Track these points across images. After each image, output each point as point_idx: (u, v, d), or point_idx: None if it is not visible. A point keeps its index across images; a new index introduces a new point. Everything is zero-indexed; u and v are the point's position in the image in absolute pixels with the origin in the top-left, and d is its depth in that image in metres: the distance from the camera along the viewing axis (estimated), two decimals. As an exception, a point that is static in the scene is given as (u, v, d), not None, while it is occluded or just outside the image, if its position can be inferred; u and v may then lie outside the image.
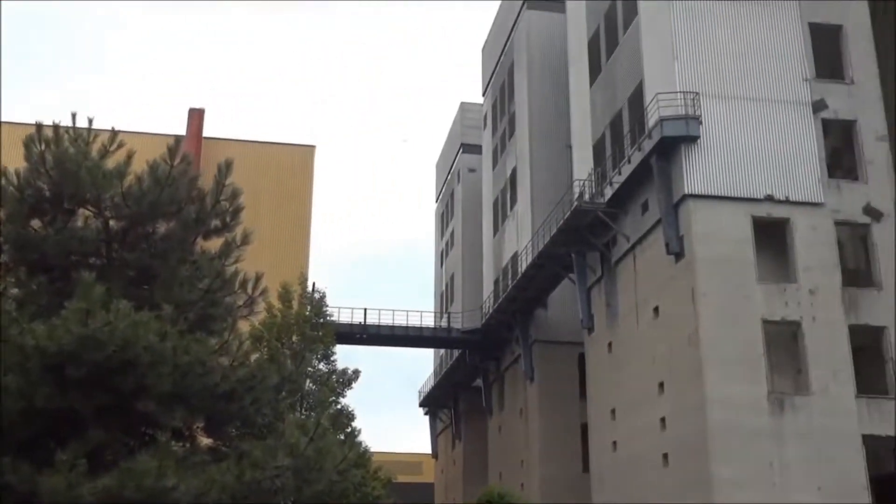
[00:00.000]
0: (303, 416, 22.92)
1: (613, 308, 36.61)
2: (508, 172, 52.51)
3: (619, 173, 34.85)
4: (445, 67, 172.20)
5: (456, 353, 57.55)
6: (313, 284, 30.70)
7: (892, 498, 28.59)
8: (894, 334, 29.64)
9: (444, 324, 59.45)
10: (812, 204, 30.81)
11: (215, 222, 11.76)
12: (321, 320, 27.74)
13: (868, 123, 32.19)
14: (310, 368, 25.30)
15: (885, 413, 28.84)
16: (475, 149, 63.91)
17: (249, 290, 11.86)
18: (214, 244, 12.12)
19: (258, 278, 11.84)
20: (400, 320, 53.62)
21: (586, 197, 37.23)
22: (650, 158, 31.80)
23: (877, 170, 31.62)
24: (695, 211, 30.34)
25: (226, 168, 11.54)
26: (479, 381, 57.19)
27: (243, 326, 13.08)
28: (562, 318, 45.05)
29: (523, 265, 44.55)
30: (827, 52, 33.45)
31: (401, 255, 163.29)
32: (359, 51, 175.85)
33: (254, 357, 12.20)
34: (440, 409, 67.71)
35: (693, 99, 31.11)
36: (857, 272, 31.91)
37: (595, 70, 40.47)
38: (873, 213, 31.00)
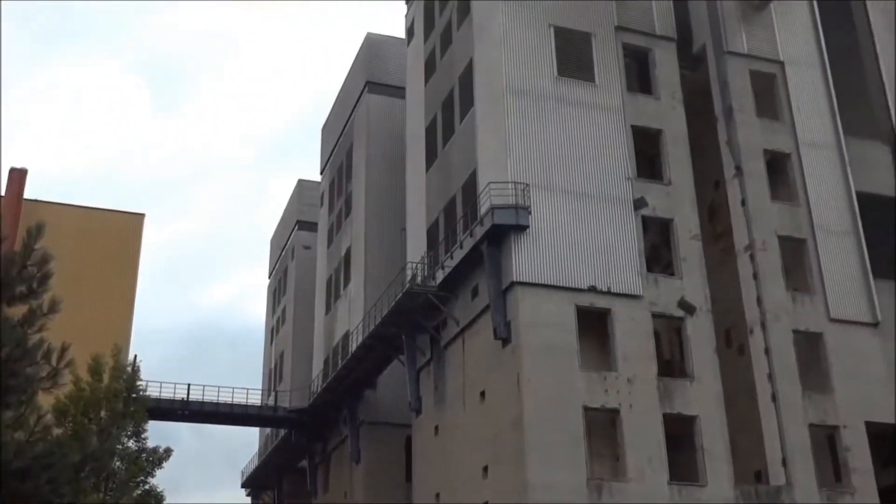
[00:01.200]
0: (107, 497, 21.55)
1: (441, 391, 36.68)
2: (343, 252, 52.36)
3: (451, 258, 35.32)
4: (285, 144, 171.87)
5: (282, 432, 56.10)
6: (135, 357, 29.28)
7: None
8: (703, 424, 30.93)
9: (271, 402, 57.97)
10: (632, 296, 32.05)
11: (21, 288, 11.00)
12: (134, 395, 26.31)
13: (683, 222, 34.01)
14: (118, 446, 23.84)
15: (696, 499, 29.87)
16: (311, 226, 63.56)
17: (54, 361, 11.09)
18: (20, 311, 11.33)
19: (64, 349, 11.09)
20: (225, 397, 51.89)
21: (418, 280, 37.48)
22: (481, 245, 32.40)
23: (690, 266, 33.32)
24: (522, 298, 30.99)
25: (36, 231, 10.87)
26: (304, 463, 55.78)
27: (46, 400, 12.19)
28: (391, 400, 44.69)
29: (354, 345, 44.16)
30: (648, 153, 35.37)
31: (231, 330, 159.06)
32: (198, 130, 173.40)
33: (57, 432, 11.38)
34: (263, 490, 65.46)
35: (524, 190, 32.07)
36: (672, 363, 33.29)
37: (432, 156, 41.25)
38: (687, 307, 32.54)
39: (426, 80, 43.46)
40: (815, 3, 39.28)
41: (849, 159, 36.55)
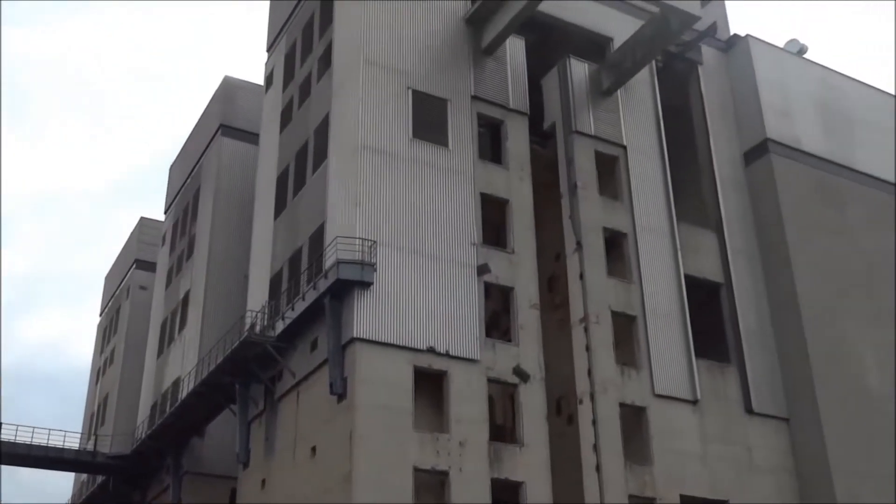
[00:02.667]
0: None
1: (271, 443, 35.78)
2: (182, 294, 50.78)
3: (293, 309, 34.79)
4: (135, 181, 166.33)
5: (100, 479, 53.26)
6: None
7: None
8: (529, 489, 31.34)
9: (90, 447, 55.01)
10: (469, 360, 32.33)
11: None
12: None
13: (524, 291, 34.74)
14: None
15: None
16: (149, 266, 61.47)
17: None
18: None
19: None
20: (41, 439, 48.97)
21: (257, 329, 36.69)
22: (324, 298, 32.09)
23: (528, 335, 34.00)
24: (361, 354, 30.77)
25: None
26: (121, 512, 53.05)
27: None
28: (218, 450, 43.27)
29: (185, 391, 42.62)
30: (494, 221, 36.08)
31: (54, 369, 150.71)
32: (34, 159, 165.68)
33: None
34: (74, 540, 61.81)
35: (370, 246, 32.08)
36: (504, 428, 33.66)
37: (281, 205, 40.77)
38: (522, 375, 33.09)
39: (281, 129, 43.11)
40: (657, 94, 41.49)
41: (679, 244, 38.30)
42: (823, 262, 40.13)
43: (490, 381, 32.64)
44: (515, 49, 39.36)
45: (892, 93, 48.35)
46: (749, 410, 36.73)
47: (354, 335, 30.90)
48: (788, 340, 38.52)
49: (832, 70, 46.70)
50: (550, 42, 41.34)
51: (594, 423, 33.12)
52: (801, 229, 40.44)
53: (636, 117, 40.26)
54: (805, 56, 46.63)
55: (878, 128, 46.14)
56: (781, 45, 46.23)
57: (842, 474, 35.52)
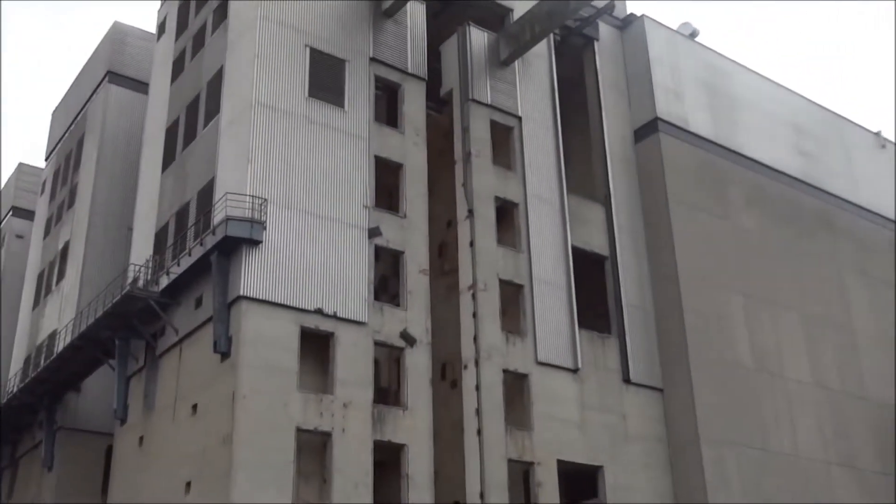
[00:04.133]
0: None
1: (150, 400, 35.03)
2: (60, 245, 48.91)
3: (178, 264, 33.97)
4: (4, 124, 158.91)
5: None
6: None
7: None
8: (411, 452, 31.69)
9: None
10: (357, 322, 32.27)
11: None
12: None
13: (414, 256, 34.80)
14: None
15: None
16: (27, 214, 58.96)
17: None
18: None
19: None
20: None
21: (140, 283, 35.74)
22: (211, 255, 31.42)
23: (416, 300, 34.10)
24: (247, 313, 30.32)
25: None
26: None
27: None
28: (94, 406, 41.98)
29: (61, 345, 41.20)
30: (388, 185, 35.96)
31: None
32: None
33: None
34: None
35: (261, 204, 31.52)
36: (388, 391, 33.79)
37: (169, 157, 39.63)
38: (408, 339, 33.22)
39: (172, 80, 41.80)
40: (553, 68, 41.88)
41: (568, 216, 38.99)
42: (703, 239, 41.51)
43: (377, 344, 32.65)
44: (416, 13, 39.05)
45: (774, 80, 50.17)
46: (626, 380, 37.90)
47: (241, 293, 30.39)
48: (667, 314, 39.80)
49: (721, 54, 48.06)
50: (451, 9, 41.18)
51: (478, 388, 33.56)
52: (684, 207, 41.66)
53: (532, 89, 40.59)
54: (696, 39, 47.78)
55: (761, 112, 47.75)
56: (675, 27, 47.26)
57: (709, 443, 37.07)
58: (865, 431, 43.76)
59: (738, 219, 43.88)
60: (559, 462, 34.53)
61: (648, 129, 43.12)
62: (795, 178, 47.41)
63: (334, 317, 31.84)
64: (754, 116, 47.35)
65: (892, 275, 49.47)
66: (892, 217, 51.53)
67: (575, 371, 36.43)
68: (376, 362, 32.94)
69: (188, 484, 30.51)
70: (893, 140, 55.43)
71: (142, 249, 38.94)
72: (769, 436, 39.51)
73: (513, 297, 36.43)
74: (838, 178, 50.03)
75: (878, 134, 54.28)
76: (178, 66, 41.82)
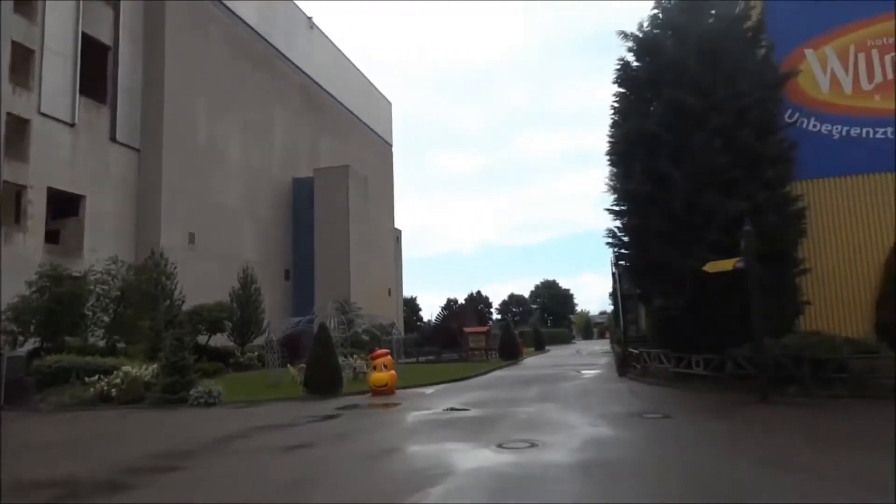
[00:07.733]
0: None
1: None
2: None
3: None
4: None
5: None
6: None
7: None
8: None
9: None
10: None
11: None
12: None
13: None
14: None
15: None
16: None
17: None
18: None
19: None
20: None
21: None
22: None
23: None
24: None
25: None
26: None
27: None
28: None
29: None
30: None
31: None
32: None
33: None
34: None
35: None
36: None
37: None
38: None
39: None
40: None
41: (83, 9, 45.24)
42: (187, 57, 52.05)
43: None
44: None
45: None
46: (113, 139, 47.15)
47: None
48: (150, 96, 49.69)
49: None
50: None
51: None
52: (176, 29, 51.52)
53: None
54: None
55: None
56: None
57: (168, 192, 48.85)
58: (270, 196, 61.14)
59: (215, 48, 55.83)
60: (49, 188, 41.97)
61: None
62: (255, 31, 61.70)
63: None
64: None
65: (298, 105, 67.75)
66: (304, 69, 70.18)
67: (72, 125, 43.73)
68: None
69: None
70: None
71: None
72: (210, 193, 52.94)
73: (24, 58, 41.63)
74: (281, 38, 66.14)
75: (310, 19, 72.90)
76: None
